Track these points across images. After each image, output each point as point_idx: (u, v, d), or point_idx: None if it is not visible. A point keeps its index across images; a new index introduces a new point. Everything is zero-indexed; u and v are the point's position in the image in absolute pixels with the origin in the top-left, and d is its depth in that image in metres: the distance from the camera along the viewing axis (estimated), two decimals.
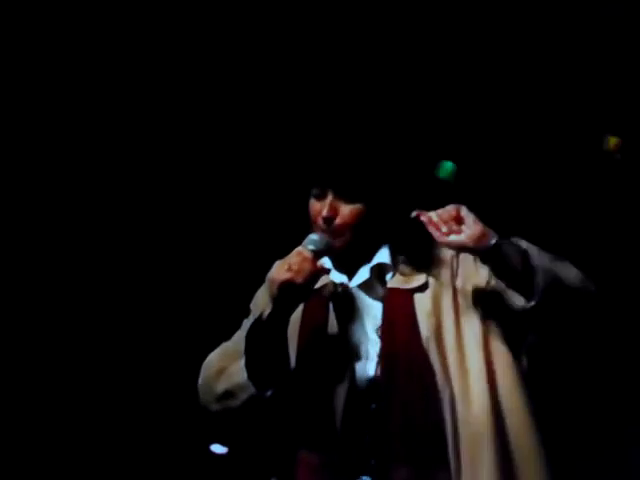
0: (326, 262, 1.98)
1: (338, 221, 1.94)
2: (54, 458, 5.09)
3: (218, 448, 5.98)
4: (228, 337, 2.09)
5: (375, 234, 1.98)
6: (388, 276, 1.98)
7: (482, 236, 1.76)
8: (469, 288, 1.91)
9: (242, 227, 4.33)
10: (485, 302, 1.90)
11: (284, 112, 3.77)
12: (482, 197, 4.02)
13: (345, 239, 1.94)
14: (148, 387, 5.11)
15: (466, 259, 1.95)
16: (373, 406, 1.84)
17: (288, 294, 1.80)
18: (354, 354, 1.89)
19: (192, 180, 4.15)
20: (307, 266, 1.81)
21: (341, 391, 1.85)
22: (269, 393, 1.84)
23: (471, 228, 1.76)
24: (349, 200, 1.94)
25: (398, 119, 3.69)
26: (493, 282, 1.89)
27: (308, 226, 2.02)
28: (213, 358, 2.02)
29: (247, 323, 2.00)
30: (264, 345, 1.85)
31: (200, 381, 2.01)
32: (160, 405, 5.24)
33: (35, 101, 3.71)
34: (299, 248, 1.87)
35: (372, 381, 1.86)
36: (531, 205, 4.13)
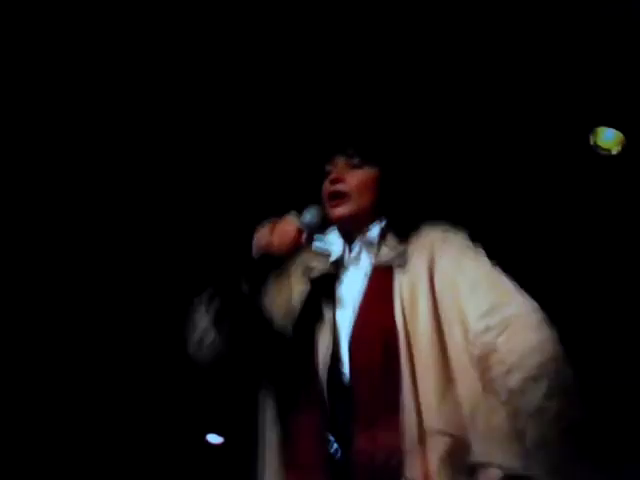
0: (332, 236, 2.03)
1: (343, 186, 1.99)
2: (50, 447, 5.12)
3: (214, 438, 6.02)
4: None
5: (374, 204, 2.01)
6: (375, 250, 2.01)
7: None
8: (439, 271, 1.92)
9: (249, 216, 4.31)
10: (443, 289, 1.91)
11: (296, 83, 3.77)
12: (478, 193, 4.06)
13: (348, 209, 1.98)
14: (145, 378, 5.13)
15: (448, 247, 1.96)
16: (345, 374, 1.87)
17: (264, 259, 1.85)
18: (335, 326, 1.92)
19: (196, 171, 4.14)
20: (289, 235, 1.87)
21: (325, 357, 1.87)
22: (224, 333, 1.88)
23: None
24: (358, 162, 2.01)
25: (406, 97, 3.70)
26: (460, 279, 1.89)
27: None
28: (195, 312, 2.03)
29: None
30: (235, 300, 1.89)
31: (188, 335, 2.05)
32: (157, 396, 5.26)
33: (35, 101, 3.71)
34: (291, 216, 1.91)
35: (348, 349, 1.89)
36: (527, 201, 4.14)
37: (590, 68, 3.50)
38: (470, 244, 1.97)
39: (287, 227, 1.88)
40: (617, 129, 3.80)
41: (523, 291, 1.86)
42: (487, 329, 1.79)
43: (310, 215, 1.93)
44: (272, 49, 3.59)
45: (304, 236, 1.89)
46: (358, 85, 3.64)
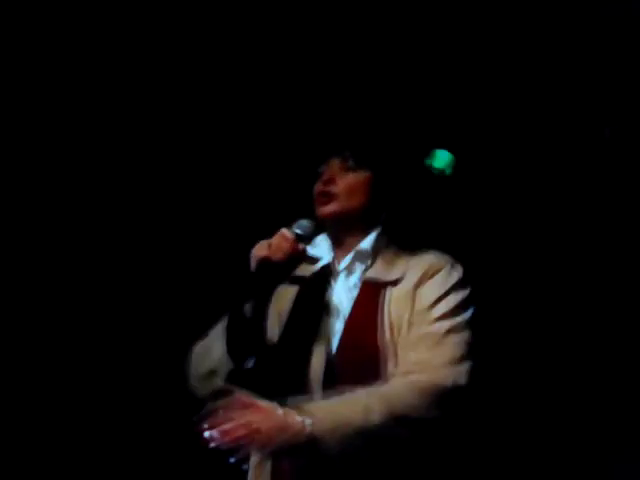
0: (322, 242, 2.04)
1: (334, 188, 2.01)
2: (47, 440, 5.10)
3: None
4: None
5: (367, 209, 2.03)
6: (369, 262, 2.02)
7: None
8: (417, 300, 1.95)
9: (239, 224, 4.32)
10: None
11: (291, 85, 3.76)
12: (478, 188, 4.06)
13: (334, 207, 2.00)
14: (144, 373, 5.12)
15: (435, 284, 1.97)
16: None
17: (265, 270, 1.85)
18: (327, 335, 1.93)
19: (186, 181, 4.13)
20: (286, 246, 1.88)
21: (320, 367, 1.88)
22: (247, 366, 1.86)
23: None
24: (352, 165, 2.03)
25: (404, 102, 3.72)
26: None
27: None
28: (199, 344, 2.03)
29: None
30: (243, 321, 1.87)
31: (188, 364, 2.01)
32: (155, 391, 5.25)
33: (35, 101, 3.72)
34: (284, 229, 1.93)
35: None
36: (528, 196, 4.15)
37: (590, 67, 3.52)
38: (456, 289, 1.97)
39: (283, 238, 1.90)
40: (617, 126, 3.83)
41: (463, 358, 1.87)
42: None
43: (301, 228, 1.94)
44: (269, 53, 3.60)
45: (300, 246, 1.91)
46: (355, 88, 3.65)
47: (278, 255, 1.86)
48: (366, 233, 2.04)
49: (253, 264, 1.87)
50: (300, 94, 3.73)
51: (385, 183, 2.04)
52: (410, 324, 1.90)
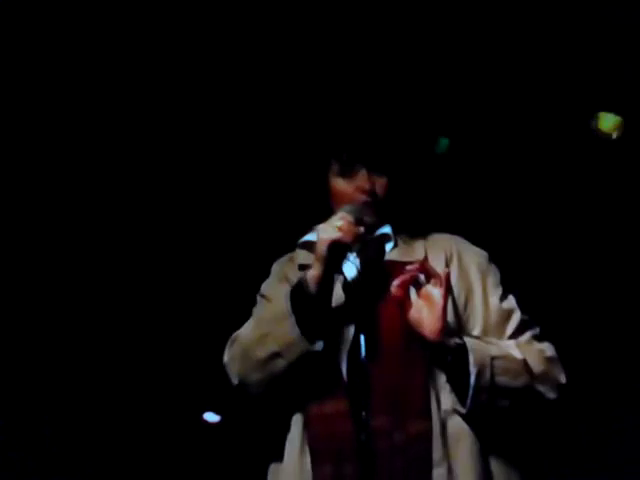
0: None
1: (377, 194, 2.09)
2: (45, 424, 5.16)
3: (211, 417, 6.04)
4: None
5: (390, 208, 2.11)
6: (388, 246, 2.10)
7: (439, 331, 1.86)
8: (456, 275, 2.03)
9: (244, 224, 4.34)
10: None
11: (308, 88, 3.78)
12: (479, 175, 4.08)
13: (377, 215, 2.08)
14: (141, 356, 5.16)
15: (464, 256, 2.08)
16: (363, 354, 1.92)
17: (336, 252, 1.89)
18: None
19: (196, 173, 4.15)
20: (352, 228, 1.91)
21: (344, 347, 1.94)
22: (319, 346, 1.89)
23: (435, 317, 1.86)
24: (380, 173, 2.09)
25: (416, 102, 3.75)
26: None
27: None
28: (248, 329, 2.04)
29: (263, 305, 2.10)
30: (312, 302, 1.91)
31: (234, 353, 2.02)
32: (153, 374, 5.30)
33: (35, 101, 3.73)
34: (341, 213, 1.95)
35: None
36: (528, 187, 4.18)
37: (588, 53, 3.53)
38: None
39: (345, 220, 1.93)
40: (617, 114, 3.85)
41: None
42: None
43: (353, 213, 1.97)
44: (277, 53, 3.61)
45: (361, 229, 1.94)
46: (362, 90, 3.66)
47: (349, 237, 1.89)
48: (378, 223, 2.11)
49: (322, 248, 1.89)
50: (308, 93, 3.75)
51: (399, 187, 2.12)
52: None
